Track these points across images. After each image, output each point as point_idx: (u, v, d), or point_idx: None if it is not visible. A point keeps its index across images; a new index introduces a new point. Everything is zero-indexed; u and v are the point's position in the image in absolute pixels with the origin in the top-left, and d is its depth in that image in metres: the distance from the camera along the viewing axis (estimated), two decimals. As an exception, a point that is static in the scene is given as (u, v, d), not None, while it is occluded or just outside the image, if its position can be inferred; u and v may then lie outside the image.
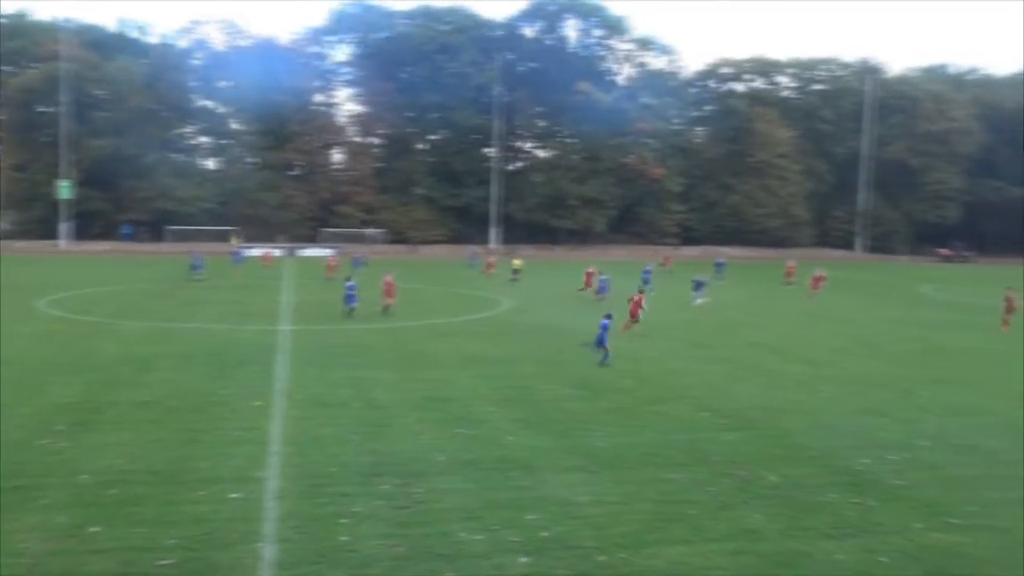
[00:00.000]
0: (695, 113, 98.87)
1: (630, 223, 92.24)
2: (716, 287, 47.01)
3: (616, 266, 62.22)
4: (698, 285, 41.68)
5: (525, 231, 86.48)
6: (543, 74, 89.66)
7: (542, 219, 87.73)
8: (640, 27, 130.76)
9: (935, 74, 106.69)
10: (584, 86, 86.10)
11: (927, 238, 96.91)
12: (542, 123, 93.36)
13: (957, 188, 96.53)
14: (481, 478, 14.15)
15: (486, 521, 12.23)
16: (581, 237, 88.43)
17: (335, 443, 15.97)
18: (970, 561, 11.36)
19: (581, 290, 43.02)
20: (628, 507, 12.99)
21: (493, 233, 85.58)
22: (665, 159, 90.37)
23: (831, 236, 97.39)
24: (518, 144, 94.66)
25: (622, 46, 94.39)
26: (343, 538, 11.56)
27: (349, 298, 33.46)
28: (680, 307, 39.77)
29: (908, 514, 13.01)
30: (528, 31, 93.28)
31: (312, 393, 20.08)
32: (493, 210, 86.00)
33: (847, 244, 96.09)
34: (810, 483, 14.37)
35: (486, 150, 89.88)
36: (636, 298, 31.46)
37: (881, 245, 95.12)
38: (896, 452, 16.33)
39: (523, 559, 11.05)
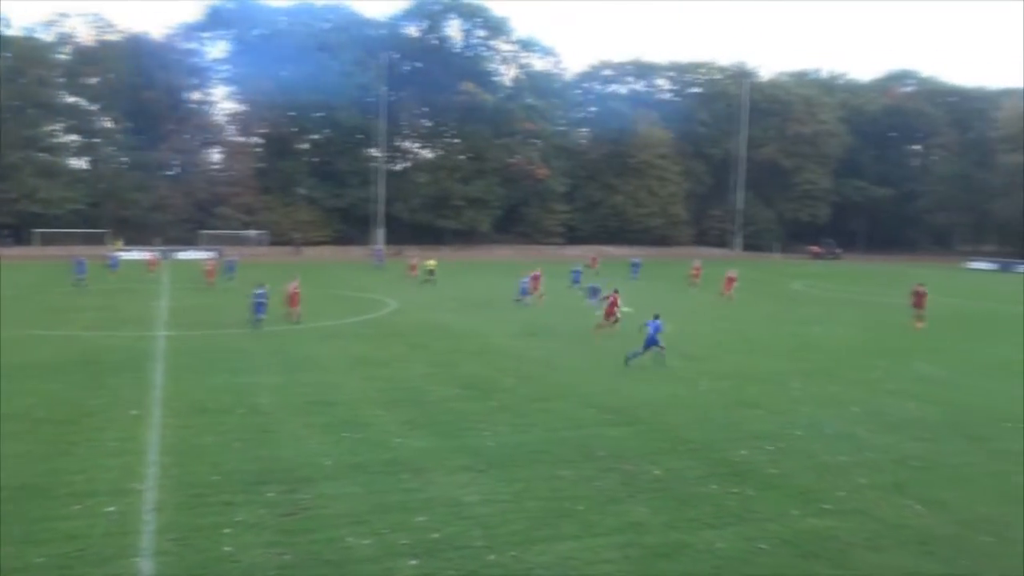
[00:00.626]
0: (578, 114, 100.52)
1: (515, 223, 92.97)
2: (632, 287, 47.55)
3: (502, 267, 62.68)
4: (593, 292, 40.11)
5: (410, 232, 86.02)
6: (427, 74, 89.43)
7: (427, 219, 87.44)
8: (522, 29, 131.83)
9: (805, 79, 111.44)
10: (468, 86, 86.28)
11: (799, 236, 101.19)
12: (427, 123, 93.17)
13: (826, 188, 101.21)
14: (369, 481, 13.99)
15: (374, 525, 12.10)
16: (467, 237, 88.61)
17: (216, 451, 15.52)
18: (841, 544, 11.89)
19: (540, 296, 41.37)
20: (517, 505, 13.07)
21: (379, 234, 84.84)
22: (549, 159, 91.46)
23: (709, 235, 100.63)
24: (402, 144, 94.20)
25: (505, 47, 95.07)
26: (226, 548, 11.24)
27: (258, 307, 30.97)
28: (576, 309, 40.26)
29: (784, 501, 13.53)
30: (411, 31, 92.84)
31: (191, 400, 19.45)
32: (378, 211, 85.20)
33: (724, 242, 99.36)
34: (692, 475, 14.77)
35: (370, 150, 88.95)
36: (612, 297, 31.37)
37: (756, 243, 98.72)
38: (772, 442, 16.96)
39: (412, 562, 10.98)
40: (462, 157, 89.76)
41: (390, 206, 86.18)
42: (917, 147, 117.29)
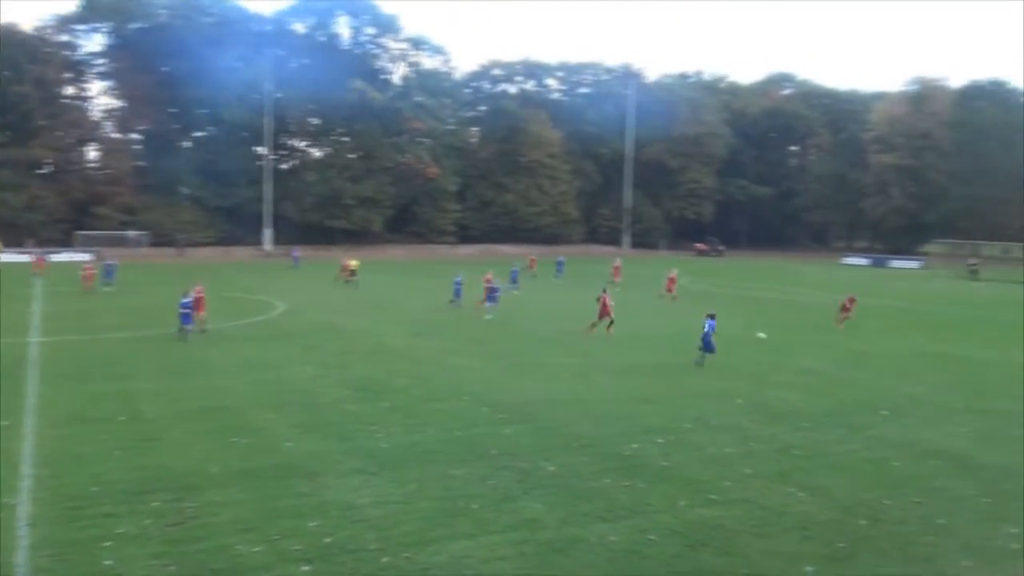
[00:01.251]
0: (469, 113, 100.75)
1: (407, 222, 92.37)
2: (556, 286, 47.44)
3: (395, 266, 62.17)
4: (491, 293, 37.59)
5: (300, 231, 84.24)
6: (315, 71, 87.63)
7: (317, 219, 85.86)
8: (411, 27, 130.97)
9: (688, 81, 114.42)
10: (358, 84, 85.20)
11: (685, 233, 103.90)
12: (315, 121, 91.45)
13: (710, 187, 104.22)
14: (259, 487, 13.64)
15: (265, 532, 11.81)
16: (358, 237, 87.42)
17: (97, 461, 14.87)
18: (727, 532, 12.25)
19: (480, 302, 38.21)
20: (411, 506, 12.98)
21: (267, 234, 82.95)
22: (440, 159, 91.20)
23: (599, 233, 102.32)
24: (290, 142, 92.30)
25: (395, 45, 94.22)
26: (106, 562, 10.78)
27: (184, 318, 28.48)
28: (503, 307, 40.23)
29: (674, 493, 13.84)
30: (298, 27, 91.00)
31: (69, 409, 18.60)
32: (266, 210, 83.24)
33: (614, 240, 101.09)
34: (585, 470, 14.96)
35: (257, 148, 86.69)
36: (603, 297, 31.26)
37: (644, 240, 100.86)
38: (662, 436, 17.33)
39: (305, 567, 10.78)
40: (352, 156, 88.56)
41: (278, 206, 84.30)
42: (795, 148, 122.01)
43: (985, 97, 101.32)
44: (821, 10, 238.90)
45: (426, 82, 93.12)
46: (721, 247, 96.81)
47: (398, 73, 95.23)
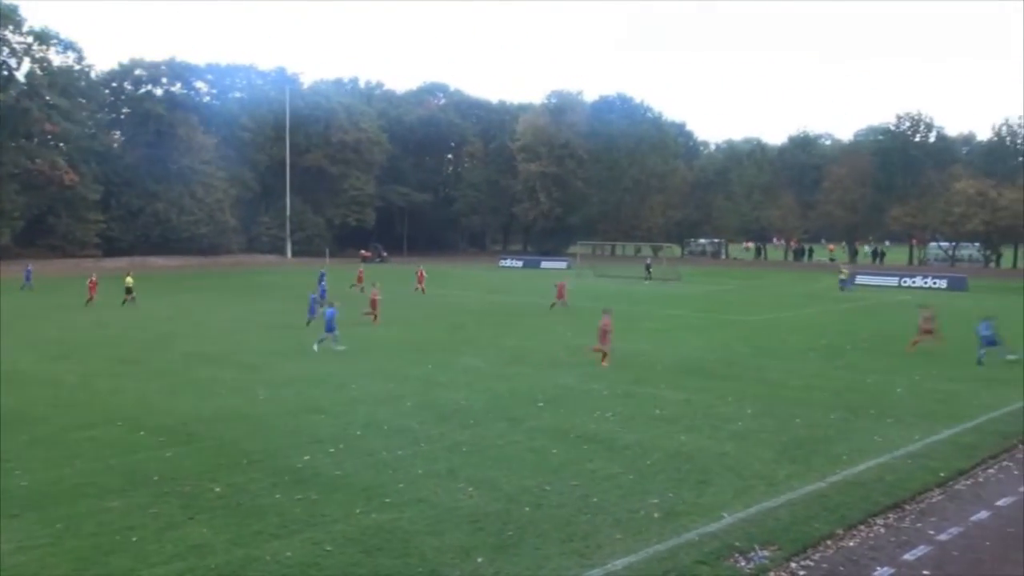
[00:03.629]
0: (110, 116, 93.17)
1: (42, 235, 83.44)
2: (356, 297, 44.56)
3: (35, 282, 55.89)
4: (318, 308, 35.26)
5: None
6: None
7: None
8: (35, 19, 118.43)
9: (344, 87, 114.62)
10: (-26, 81, 75.71)
11: (348, 241, 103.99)
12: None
13: (371, 194, 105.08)
14: None
15: None
16: (-18, 252, 77.67)
17: None
18: (403, 534, 12.42)
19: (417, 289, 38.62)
20: (59, 547, 11.75)
21: None
22: (79, 164, 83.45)
23: (260, 241, 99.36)
24: None
25: (16, 39, 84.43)
26: None
27: None
28: (133, 322, 37.23)
29: (349, 501, 13.78)
30: None
31: None
32: None
33: (277, 249, 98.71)
34: (255, 487, 14.45)
35: None
36: (604, 321, 27.85)
37: (307, 249, 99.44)
38: (334, 444, 17.20)
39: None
40: (-31, 161, 78.51)
41: None
42: (451, 155, 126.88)
43: (614, 110, 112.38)
44: (472, 21, 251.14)
45: (56, 81, 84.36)
46: (384, 253, 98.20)
47: (22, 70, 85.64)
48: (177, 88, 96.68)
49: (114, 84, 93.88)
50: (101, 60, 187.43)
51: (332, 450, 16.79)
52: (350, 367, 26.62)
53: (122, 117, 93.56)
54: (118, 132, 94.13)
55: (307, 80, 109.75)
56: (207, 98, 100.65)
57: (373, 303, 38.57)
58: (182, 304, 46.49)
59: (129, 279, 45.76)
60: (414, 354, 29.28)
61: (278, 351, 29.99)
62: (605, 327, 27.76)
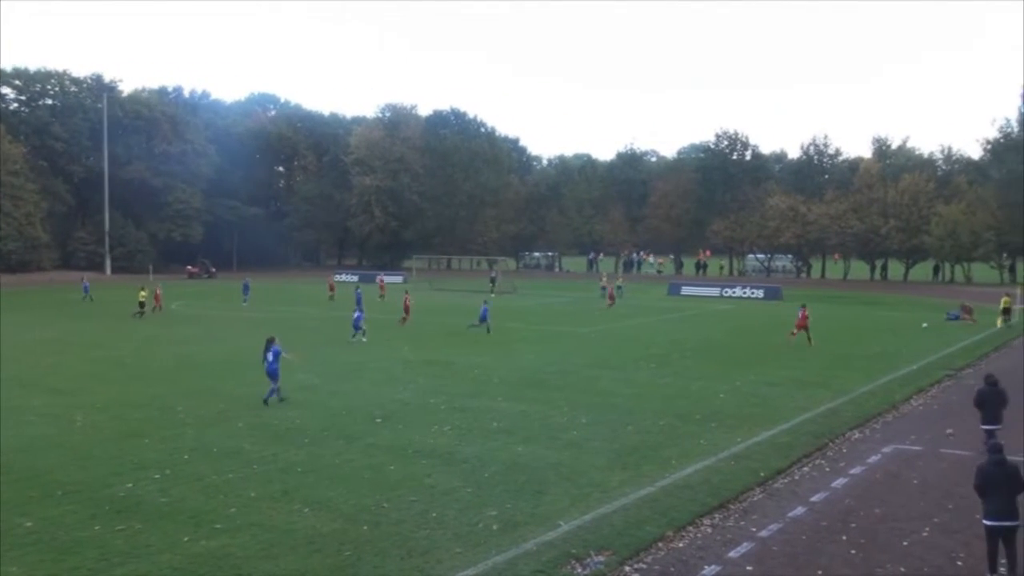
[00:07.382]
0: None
1: None
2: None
3: None
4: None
5: None
6: None
7: None
8: None
9: (167, 96, 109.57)
10: None
11: (173, 256, 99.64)
12: None
13: (198, 208, 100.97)
14: None
15: None
16: None
17: None
18: (234, 560, 11.92)
19: (381, 296, 37.27)
20: None
21: None
22: None
23: (76, 258, 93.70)
24: None
25: None
26: None
27: None
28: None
29: (176, 529, 13.12)
30: None
31: None
32: None
33: (95, 265, 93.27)
34: (72, 520, 13.53)
35: None
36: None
37: (129, 265, 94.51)
38: (159, 470, 16.35)
39: None
40: None
41: None
42: (282, 168, 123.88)
43: (448, 125, 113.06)
44: (302, 30, 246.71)
45: None
46: (212, 269, 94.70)
47: None
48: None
49: None
50: None
51: (157, 476, 15.96)
52: (174, 387, 25.43)
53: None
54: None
55: (127, 88, 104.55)
56: (14, 105, 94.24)
57: (406, 308, 43.52)
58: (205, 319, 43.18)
59: (143, 292, 42.03)
60: (239, 372, 28.24)
61: (96, 374, 28.30)
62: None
